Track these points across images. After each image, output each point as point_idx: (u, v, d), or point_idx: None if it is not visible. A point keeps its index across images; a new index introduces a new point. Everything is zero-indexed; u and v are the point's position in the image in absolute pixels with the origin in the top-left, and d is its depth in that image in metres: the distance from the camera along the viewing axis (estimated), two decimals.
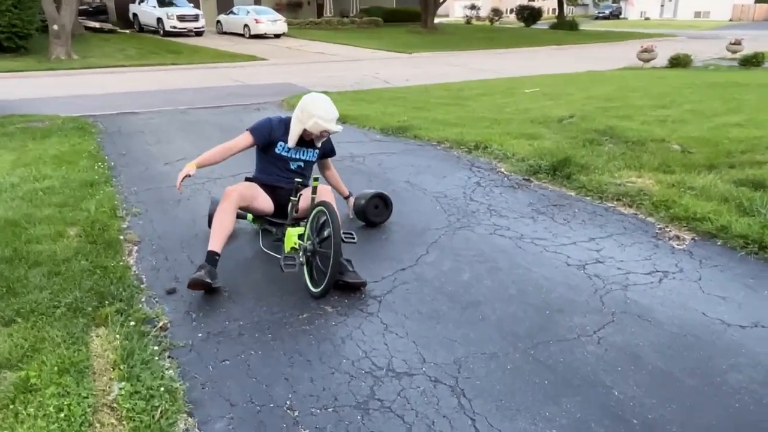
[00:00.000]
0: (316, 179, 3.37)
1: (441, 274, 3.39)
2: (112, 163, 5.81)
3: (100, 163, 5.65)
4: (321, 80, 12.76)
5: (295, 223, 3.49)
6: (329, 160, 4.00)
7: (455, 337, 2.73)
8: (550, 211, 4.41)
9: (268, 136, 3.56)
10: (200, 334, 2.76)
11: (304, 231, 3.30)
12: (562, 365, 2.52)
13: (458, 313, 2.95)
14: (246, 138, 3.56)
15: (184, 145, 6.65)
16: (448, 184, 5.05)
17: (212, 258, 3.18)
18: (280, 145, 3.58)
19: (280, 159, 3.61)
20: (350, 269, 3.19)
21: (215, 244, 3.23)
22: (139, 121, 8.15)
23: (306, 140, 3.59)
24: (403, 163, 5.75)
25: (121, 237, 3.86)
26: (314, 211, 3.24)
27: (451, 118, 7.79)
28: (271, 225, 3.69)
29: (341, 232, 3.06)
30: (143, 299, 3.08)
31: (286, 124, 3.61)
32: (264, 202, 3.57)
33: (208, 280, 3.04)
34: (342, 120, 7.35)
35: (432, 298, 3.11)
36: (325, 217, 3.13)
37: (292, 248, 3.32)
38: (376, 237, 3.96)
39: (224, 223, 3.29)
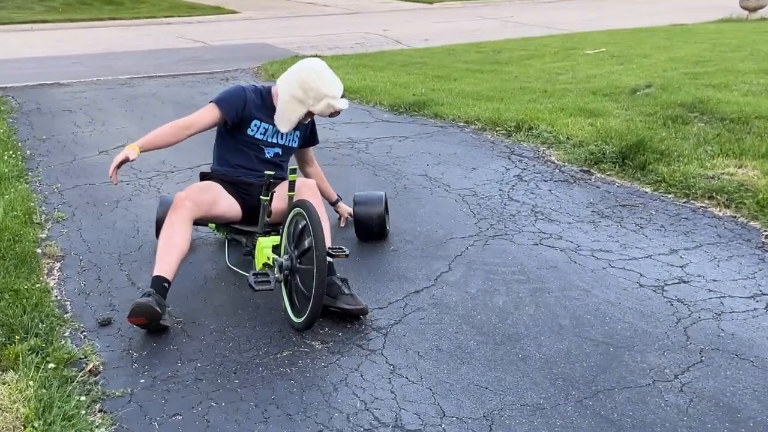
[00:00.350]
0: (293, 171, 3.38)
1: (468, 297, 3.40)
2: (29, 152, 5.88)
3: (11, 152, 5.70)
4: (310, 40, 12.83)
5: (270, 231, 3.51)
6: (310, 150, 4.02)
7: (486, 383, 2.74)
8: (617, 213, 4.42)
9: (241, 110, 3.56)
10: (143, 380, 2.78)
11: (280, 241, 3.32)
12: (631, 420, 2.52)
13: (491, 351, 2.96)
14: (210, 112, 3.55)
15: (126, 126, 6.71)
16: (479, 179, 5.07)
17: (160, 285, 3.13)
18: (255, 125, 3.60)
19: (252, 144, 3.63)
20: (346, 292, 3.20)
21: (163, 267, 3.18)
22: (65, 96, 8.23)
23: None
24: (419, 151, 5.78)
25: (39, 250, 3.90)
26: (291, 215, 3.25)
27: (485, 90, 7.81)
28: (239, 234, 3.71)
29: (326, 245, 3.05)
30: (67, 333, 3.10)
31: (262, 94, 3.64)
32: (228, 207, 3.57)
33: (158, 308, 2.99)
34: None
35: (455, 330, 3.12)
36: (304, 222, 3.12)
37: (265, 264, 3.34)
38: (380, 248, 3.97)
39: (174, 241, 3.24)
